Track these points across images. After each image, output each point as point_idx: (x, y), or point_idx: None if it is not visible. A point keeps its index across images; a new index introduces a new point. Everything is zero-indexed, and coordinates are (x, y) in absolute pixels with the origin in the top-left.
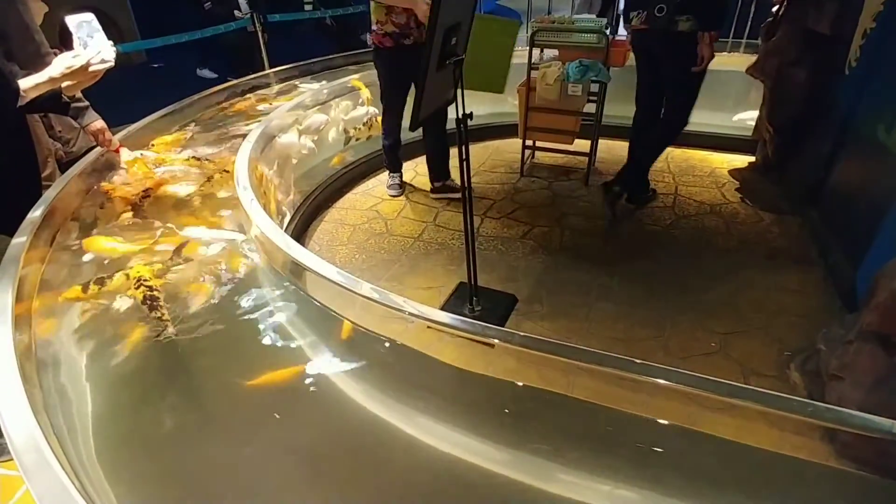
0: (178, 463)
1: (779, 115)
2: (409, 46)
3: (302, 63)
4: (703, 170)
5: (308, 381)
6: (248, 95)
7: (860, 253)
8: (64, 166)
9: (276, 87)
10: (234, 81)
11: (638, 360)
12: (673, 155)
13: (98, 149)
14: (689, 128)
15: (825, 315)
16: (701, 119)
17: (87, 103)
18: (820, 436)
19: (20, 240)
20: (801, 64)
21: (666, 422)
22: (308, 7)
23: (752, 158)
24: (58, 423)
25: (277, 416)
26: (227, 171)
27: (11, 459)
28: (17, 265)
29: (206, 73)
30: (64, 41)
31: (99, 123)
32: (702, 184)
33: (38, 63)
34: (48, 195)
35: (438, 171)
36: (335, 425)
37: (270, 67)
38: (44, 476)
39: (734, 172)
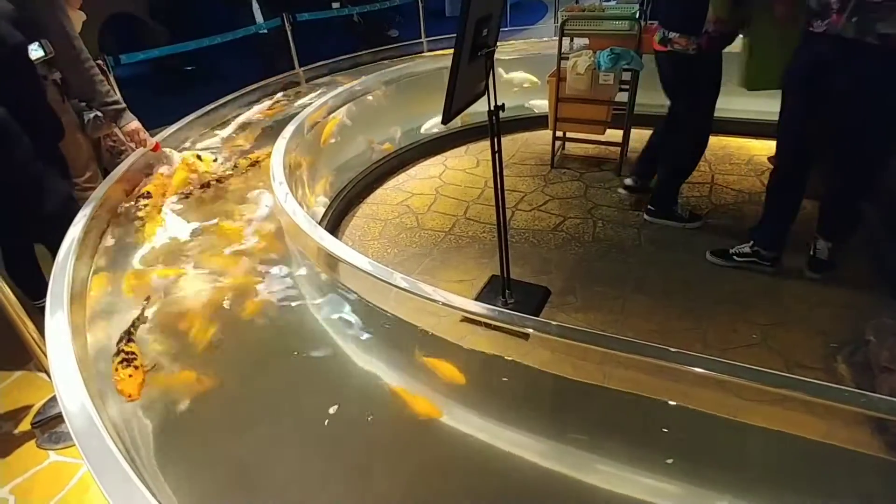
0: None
1: None
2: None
3: (331, 60)
4: (740, 157)
5: (344, 368)
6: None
7: None
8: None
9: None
10: (266, 81)
11: (674, 350)
12: (710, 143)
13: (140, 148)
14: (726, 114)
15: (872, 306)
16: (739, 105)
17: (124, 105)
18: (871, 428)
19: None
20: None
21: (707, 413)
22: (336, 5)
23: None
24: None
25: (314, 403)
26: None
27: (72, 446)
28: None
29: None
30: (104, 50)
31: (134, 124)
32: (739, 172)
33: (79, 68)
34: (96, 194)
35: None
36: (375, 415)
37: (300, 66)
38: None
39: (774, 160)
